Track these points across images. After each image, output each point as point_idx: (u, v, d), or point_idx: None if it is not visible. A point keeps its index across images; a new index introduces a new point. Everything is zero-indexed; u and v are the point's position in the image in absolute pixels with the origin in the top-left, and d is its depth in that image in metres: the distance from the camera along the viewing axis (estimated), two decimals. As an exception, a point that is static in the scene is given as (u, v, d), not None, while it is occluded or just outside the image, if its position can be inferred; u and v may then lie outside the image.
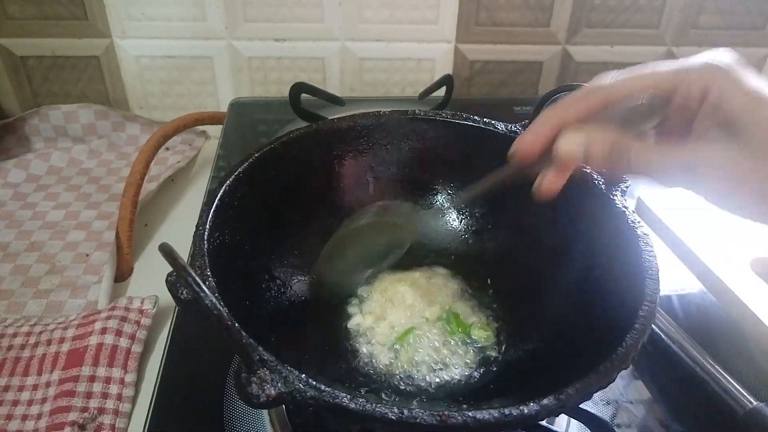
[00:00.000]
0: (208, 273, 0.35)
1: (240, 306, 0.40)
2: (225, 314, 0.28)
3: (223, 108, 0.89)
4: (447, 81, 0.75)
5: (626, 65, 0.98)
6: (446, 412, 0.29)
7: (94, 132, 0.88)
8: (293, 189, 0.49)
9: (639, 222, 0.41)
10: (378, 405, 0.29)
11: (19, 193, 0.79)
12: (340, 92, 0.81)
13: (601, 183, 0.45)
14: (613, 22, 0.91)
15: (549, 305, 0.46)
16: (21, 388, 0.53)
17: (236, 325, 0.30)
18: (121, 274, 0.67)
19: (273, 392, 0.29)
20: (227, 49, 0.87)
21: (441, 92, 0.79)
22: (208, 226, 0.38)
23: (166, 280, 0.34)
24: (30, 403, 0.52)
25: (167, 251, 0.29)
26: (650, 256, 0.39)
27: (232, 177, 0.42)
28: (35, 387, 0.53)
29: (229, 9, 0.84)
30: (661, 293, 0.56)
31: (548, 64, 0.93)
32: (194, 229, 0.39)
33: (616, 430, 0.38)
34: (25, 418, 0.51)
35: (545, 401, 0.30)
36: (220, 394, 0.48)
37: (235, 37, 0.87)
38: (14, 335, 0.57)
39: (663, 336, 0.51)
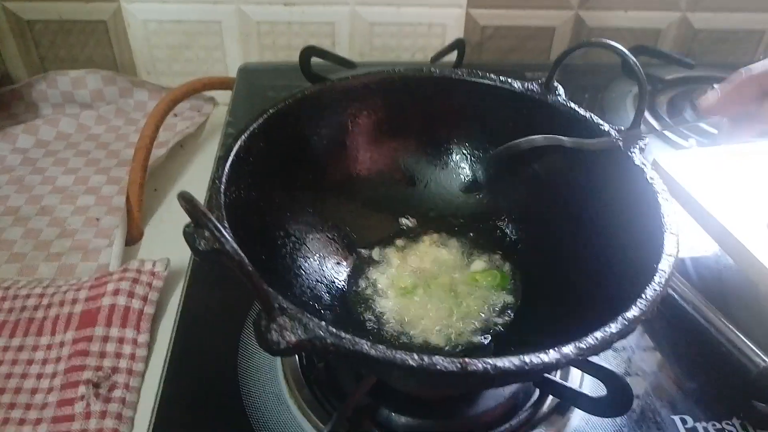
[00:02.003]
0: (226, 225, 0.35)
1: (256, 261, 0.40)
2: (246, 260, 0.28)
3: (232, 74, 0.88)
4: (459, 45, 0.74)
5: (639, 31, 0.98)
6: (466, 359, 0.29)
7: (101, 98, 0.87)
8: (307, 146, 0.48)
9: (657, 178, 0.41)
10: (398, 351, 0.29)
11: (29, 159, 0.78)
12: (349, 57, 0.80)
13: (619, 140, 0.44)
14: (627, -13, 0.89)
15: (566, 261, 0.45)
16: (35, 348, 0.53)
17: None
18: (132, 238, 0.67)
19: (293, 339, 0.29)
20: (236, 13, 0.86)
21: (452, 57, 0.78)
22: (224, 180, 0.38)
23: (184, 231, 0.34)
24: (44, 362, 0.52)
25: (187, 198, 0.29)
26: (669, 212, 0.39)
27: (248, 132, 0.42)
28: (49, 347, 0.53)
29: (238, -28, 0.83)
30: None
31: (560, 29, 0.92)
32: (209, 183, 0.39)
33: (628, 384, 0.37)
34: (39, 376, 0.51)
35: (565, 350, 0.30)
36: (234, 352, 0.48)
37: (243, 2, 0.85)
38: (27, 296, 0.57)
39: (676, 296, 0.51)
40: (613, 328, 0.31)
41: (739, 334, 0.47)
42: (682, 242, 0.54)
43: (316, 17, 0.87)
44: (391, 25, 0.89)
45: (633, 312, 0.32)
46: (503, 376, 0.29)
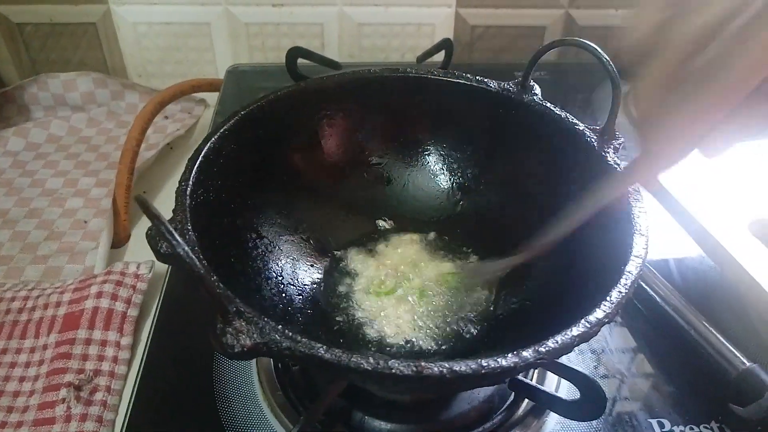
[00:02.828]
0: (189, 227, 0.35)
1: (225, 263, 0.40)
2: (197, 263, 0.28)
3: (222, 75, 0.88)
4: (446, 45, 0.74)
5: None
6: (422, 363, 0.29)
7: (93, 100, 0.87)
8: (281, 148, 0.48)
9: (630, 178, 0.40)
10: (354, 355, 0.29)
11: (19, 161, 0.79)
12: (339, 58, 0.80)
13: (593, 140, 0.44)
14: (617, -16, 0.89)
15: (538, 263, 0.45)
16: (19, 351, 0.53)
17: (212, 276, 0.30)
18: (119, 240, 0.67)
19: (248, 342, 0.29)
20: (224, 15, 0.86)
21: (441, 57, 0.78)
22: (191, 182, 0.38)
23: (146, 234, 0.34)
24: (27, 365, 0.52)
25: (141, 201, 0.29)
26: (640, 212, 0.38)
27: (217, 134, 0.42)
28: (32, 350, 0.53)
29: (226, -26, 0.83)
30: (659, 257, 0.56)
31: (551, 28, 0.92)
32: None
33: (603, 388, 0.37)
34: (22, 379, 0.51)
35: (524, 353, 0.30)
36: (210, 356, 0.48)
37: (232, 3, 0.86)
38: (12, 299, 0.57)
39: (658, 299, 0.51)
40: (574, 331, 0.31)
41: (720, 337, 0.47)
42: (667, 243, 0.53)
43: (305, 18, 0.87)
44: (379, 25, 0.89)
45: (596, 315, 0.32)
46: (459, 380, 0.29)
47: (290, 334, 0.29)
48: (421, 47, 0.90)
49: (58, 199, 0.73)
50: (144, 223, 0.70)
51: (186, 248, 0.28)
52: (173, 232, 0.28)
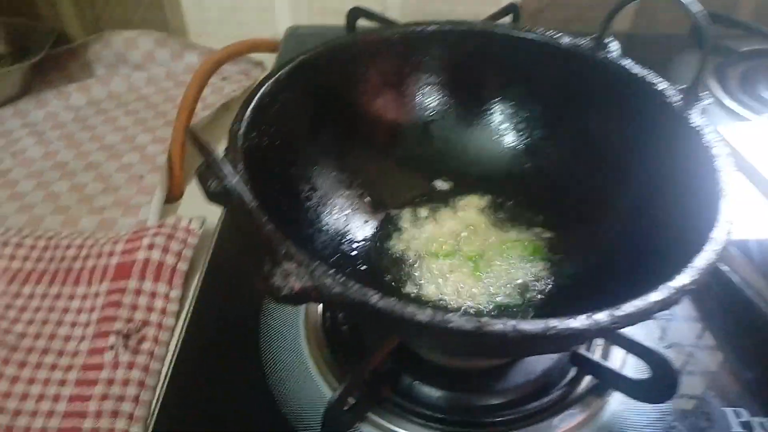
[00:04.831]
0: (241, 167, 0.33)
1: (276, 210, 0.38)
2: (248, 198, 0.26)
3: (281, 37, 0.87)
4: (512, 9, 0.70)
5: (715, -1, 0.89)
6: (484, 319, 0.26)
7: (153, 60, 0.87)
8: (339, 98, 0.46)
9: (717, 141, 0.37)
10: (410, 305, 0.27)
11: (80, 116, 0.80)
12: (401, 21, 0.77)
13: (677, 100, 0.40)
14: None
15: (611, 227, 0.42)
16: (71, 297, 0.54)
17: (263, 214, 0.28)
18: (173, 196, 0.67)
19: (298, 285, 0.27)
20: (286, -25, 0.85)
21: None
22: (244, 123, 0.36)
23: (197, 172, 0.32)
24: (79, 311, 0.53)
25: (192, 134, 0.27)
26: (727, 177, 0.34)
27: (274, 78, 0.40)
28: (85, 297, 0.54)
29: (289, -68, 0.82)
30: (740, 238, 0.52)
31: (626, -3, 0.86)
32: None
33: (674, 365, 0.34)
34: (74, 324, 0.52)
35: (598, 316, 0.27)
36: (257, 312, 0.47)
37: (294, -38, 0.84)
38: (67, 247, 0.58)
39: (736, 280, 0.47)
40: (654, 296, 0.28)
41: (805, 323, 0.43)
42: (747, 223, 0.49)
43: (368, -21, 0.85)
44: (444, -12, 0.85)
45: (680, 281, 0.29)
46: (523, 340, 0.26)
47: (342, 279, 0.28)
48: (486, 13, 0.86)
49: (115, 154, 0.73)
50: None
51: (235, 182, 0.26)
52: (218, 162, 0.26)
